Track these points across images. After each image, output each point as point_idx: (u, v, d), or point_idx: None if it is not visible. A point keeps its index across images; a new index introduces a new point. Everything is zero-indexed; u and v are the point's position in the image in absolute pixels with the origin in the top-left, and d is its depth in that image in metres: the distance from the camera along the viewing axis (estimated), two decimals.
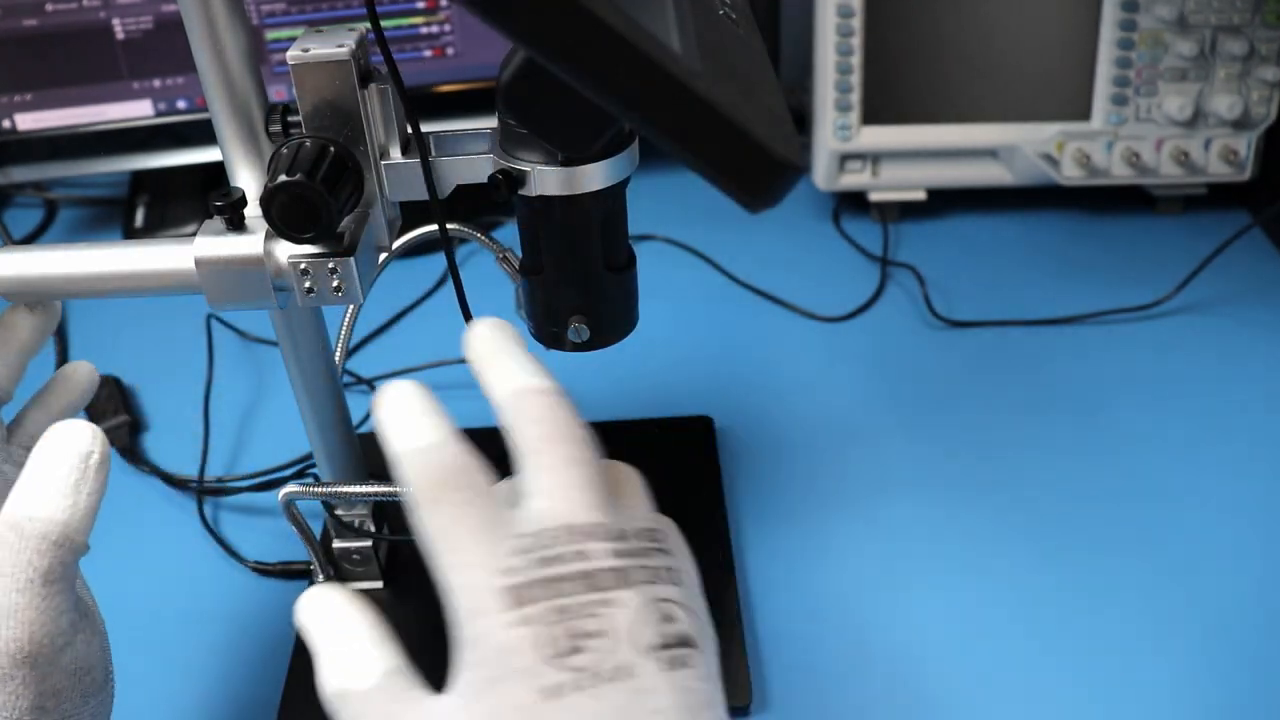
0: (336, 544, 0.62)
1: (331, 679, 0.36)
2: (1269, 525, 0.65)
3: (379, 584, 0.62)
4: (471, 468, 0.38)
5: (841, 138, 0.87)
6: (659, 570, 0.37)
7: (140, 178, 0.96)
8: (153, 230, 0.94)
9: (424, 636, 0.61)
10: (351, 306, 0.62)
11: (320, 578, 0.61)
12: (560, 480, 0.37)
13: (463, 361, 0.85)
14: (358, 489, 0.57)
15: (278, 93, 0.89)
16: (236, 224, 0.47)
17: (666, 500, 0.66)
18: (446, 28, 0.88)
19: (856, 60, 0.85)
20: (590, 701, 0.34)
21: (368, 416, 0.76)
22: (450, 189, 0.49)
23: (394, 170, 0.48)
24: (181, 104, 0.88)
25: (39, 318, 0.50)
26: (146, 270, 0.48)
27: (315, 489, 0.57)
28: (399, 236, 0.53)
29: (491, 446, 0.77)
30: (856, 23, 0.84)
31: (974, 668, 0.58)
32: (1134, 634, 0.59)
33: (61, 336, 0.84)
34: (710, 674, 0.37)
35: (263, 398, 0.78)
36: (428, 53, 0.89)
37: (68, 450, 0.39)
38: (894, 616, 0.61)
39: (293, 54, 0.45)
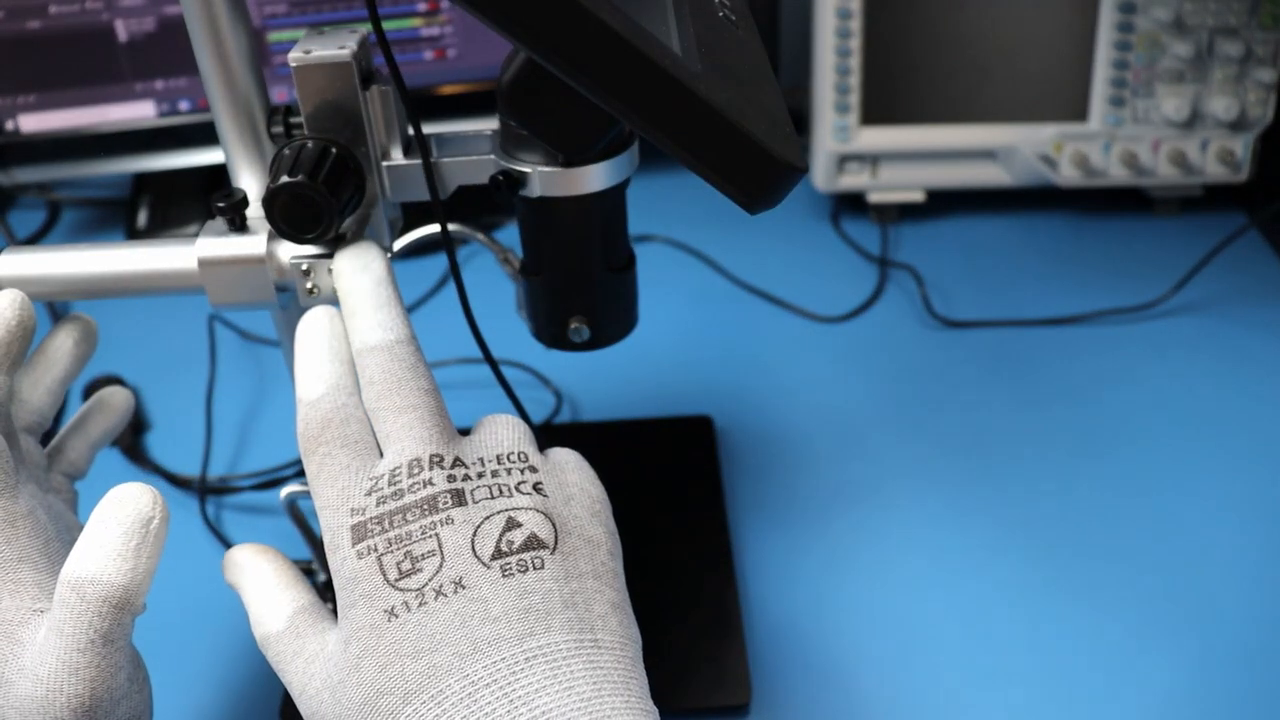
0: None
1: (255, 628, 0.41)
2: (1267, 524, 0.65)
3: None
4: (344, 419, 0.41)
5: (840, 139, 0.87)
6: (507, 485, 0.40)
7: (143, 179, 0.96)
8: (155, 231, 0.94)
9: None
10: None
11: (321, 577, 0.62)
12: (399, 425, 0.41)
13: (464, 361, 0.85)
14: None
15: (280, 94, 0.89)
16: (239, 225, 0.47)
17: (667, 500, 0.67)
18: (448, 30, 0.89)
19: (855, 61, 0.85)
20: (426, 617, 0.36)
21: None
22: (451, 190, 0.49)
23: (395, 171, 0.48)
24: (184, 105, 0.88)
25: (80, 347, 0.51)
26: (149, 270, 0.48)
27: None
28: (400, 237, 0.54)
29: None
30: (855, 24, 0.84)
31: (974, 666, 0.58)
32: (1133, 633, 0.59)
33: None
34: (572, 573, 0.38)
35: (265, 397, 0.79)
36: (429, 54, 0.89)
37: (130, 514, 0.40)
38: (893, 615, 0.61)
39: (294, 55, 0.46)
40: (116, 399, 0.53)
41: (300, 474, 0.71)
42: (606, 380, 0.77)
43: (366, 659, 0.37)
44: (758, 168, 0.37)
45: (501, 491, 0.40)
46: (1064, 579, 0.62)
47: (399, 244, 0.53)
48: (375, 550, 0.38)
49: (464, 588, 0.37)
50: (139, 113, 0.88)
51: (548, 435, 0.72)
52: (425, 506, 0.39)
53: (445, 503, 0.39)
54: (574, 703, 0.35)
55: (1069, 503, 0.67)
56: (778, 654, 0.59)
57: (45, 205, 1.00)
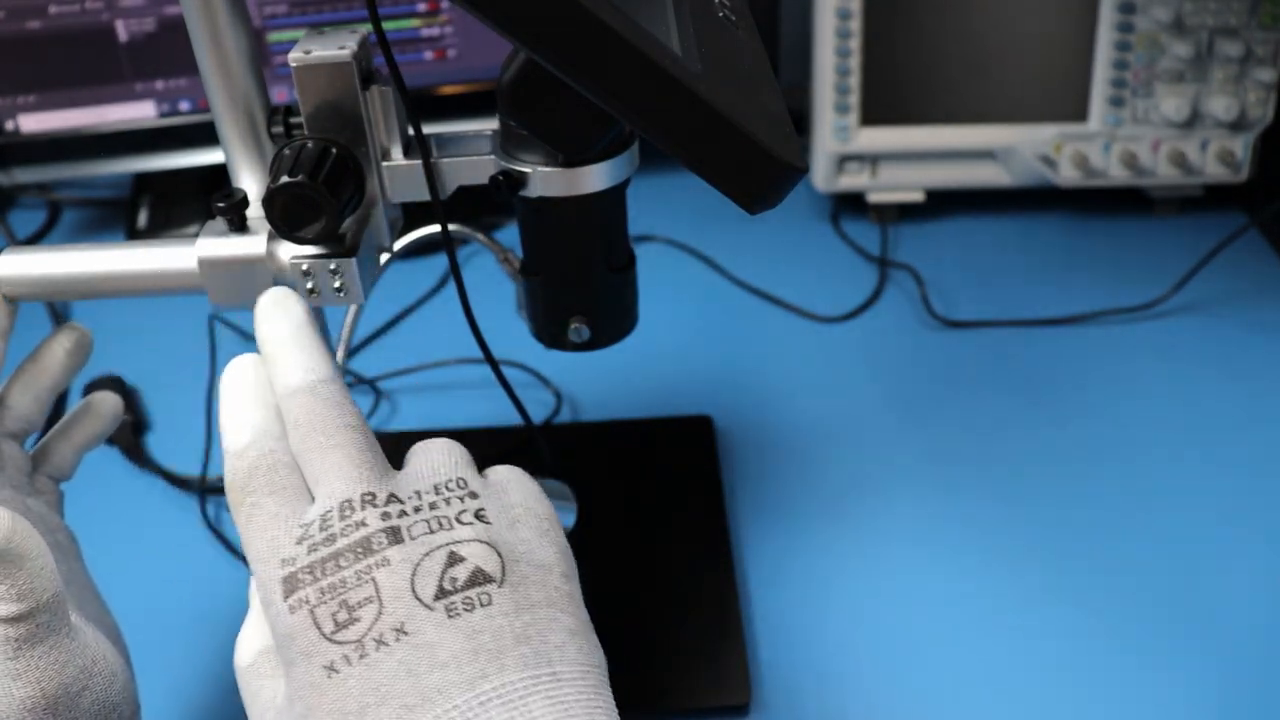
0: None
1: (236, 655, 0.39)
2: (1266, 524, 0.65)
3: None
4: (271, 466, 0.39)
5: (840, 139, 0.87)
6: (447, 517, 0.37)
7: (143, 179, 0.96)
8: (156, 231, 0.94)
9: None
10: (353, 307, 0.62)
11: None
12: (327, 466, 0.38)
13: (464, 361, 0.85)
14: None
15: (280, 94, 0.89)
16: (239, 225, 0.47)
17: (667, 500, 0.67)
18: (448, 30, 0.89)
19: (855, 62, 0.85)
20: (368, 670, 0.34)
21: (369, 416, 0.76)
22: (451, 190, 0.49)
23: (395, 171, 0.48)
24: (184, 105, 0.88)
25: (73, 358, 0.51)
26: (149, 271, 0.48)
27: None
28: (400, 237, 0.54)
29: (491, 446, 0.77)
30: (855, 24, 0.84)
31: (973, 666, 0.58)
32: (1134, 632, 0.59)
33: None
34: (523, 604, 0.36)
35: None
36: (429, 55, 0.89)
37: None
38: (893, 615, 0.61)
39: (294, 56, 0.46)
40: (105, 405, 0.53)
41: None
42: (606, 380, 0.77)
43: (310, 718, 0.35)
44: (758, 168, 0.37)
45: (441, 525, 0.37)
46: (1063, 579, 0.62)
47: (399, 244, 0.53)
48: (308, 602, 0.36)
49: (406, 633, 0.34)
50: (139, 113, 0.88)
51: (548, 435, 0.72)
52: (359, 550, 0.36)
53: (380, 543, 0.36)
54: None
55: (1069, 503, 0.67)
56: (778, 654, 0.59)
57: (45, 205, 1.00)
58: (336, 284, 0.47)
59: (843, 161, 0.89)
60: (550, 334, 0.53)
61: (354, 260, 0.47)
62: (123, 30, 0.85)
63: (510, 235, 0.92)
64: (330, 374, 0.41)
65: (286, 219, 0.44)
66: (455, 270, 0.48)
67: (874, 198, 0.91)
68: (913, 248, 0.89)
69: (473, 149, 0.48)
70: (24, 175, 0.89)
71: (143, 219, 0.95)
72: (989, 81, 0.86)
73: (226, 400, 0.41)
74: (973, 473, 0.69)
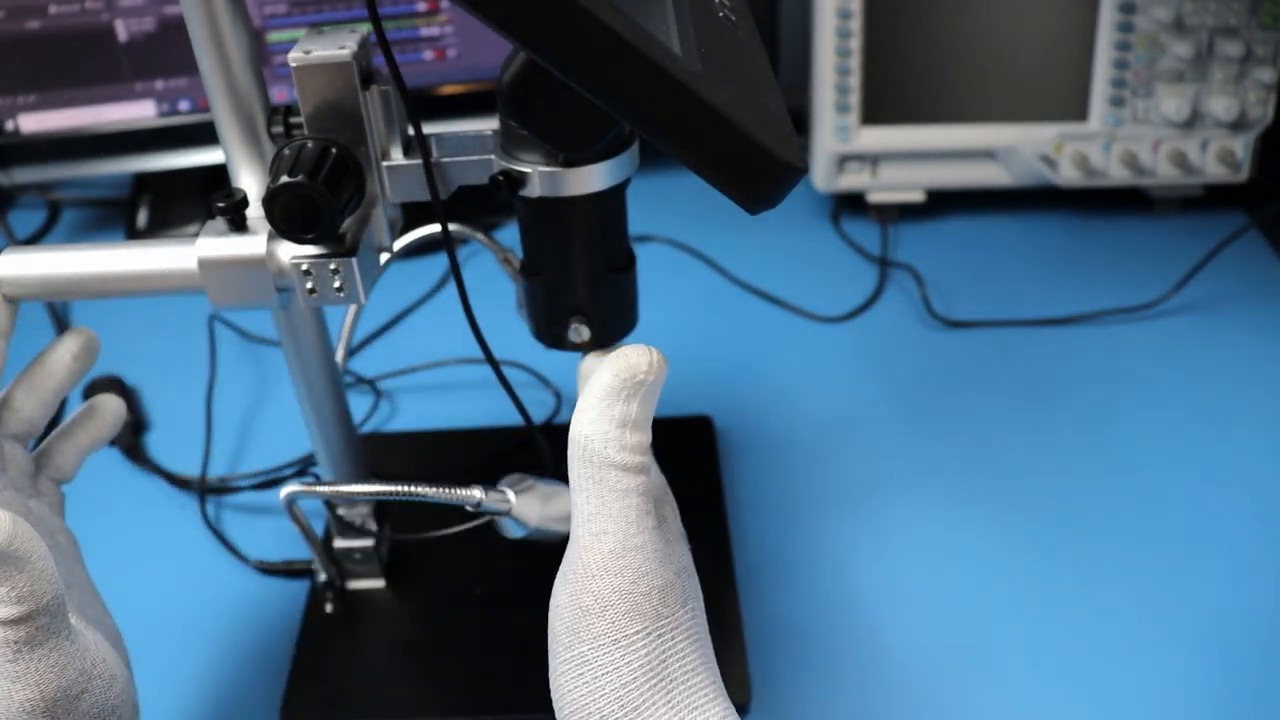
0: (338, 543, 0.62)
1: None
2: (1266, 523, 0.65)
3: (380, 583, 0.63)
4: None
5: (840, 139, 0.87)
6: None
7: (143, 179, 0.96)
8: (155, 231, 0.94)
9: (425, 634, 0.62)
10: (353, 306, 0.62)
11: (322, 576, 0.62)
12: None
13: (464, 361, 0.85)
14: (359, 488, 0.57)
15: (280, 94, 0.89)
16: (239, 225, 0.47)
17: None
18: (448, 30, 0.89)
19: (855, 61, 0.85)
20: None
21: (369, 416, 0.76)
22: (452, 190, 0.49)
23: (395, 171, 0.48)
24: (184, 105, 0.88)
25: (79, 362, 0.51)
26: (149, 271, 0.48)
27: (317, 488, 0.58)
28: (400, 237, 0.54)
29: (491, 446, 0.77)
30: (855, 24, 0.84)
31: (973, 665, 0.58)
32: (1134, 631, 0.59)
33: None
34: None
35: (265, 398, 0.79)
36: (429, 54, 0.89)
37: None
38: (893, 614, 0.61)
39: (294, 55, 0.46)
40: (108, 408, 0.53)
41: (300, 473, 0.71)
42: None
43: None
44: (758, 168, 0.37)
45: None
46: (1064, 578, 0.62)
47: (399, 244, 0.53)
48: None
49: None
50: (139, 113, 0.88)
51: (548, 435, 0.72)
52: None
53: None
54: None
55: (1069, 502, 0.67)
56: (778, 654, 0.59)
57: (45, 205, 1.00)
58: (336, 284, 0.47)
59: (843, 161, 0.89)
60: (550, 334, 0.53)
61: (354, 260, 0.47)
62: (122, 30, 0.85)
63: (510, 235, 0.92)
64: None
65: (286, 219, 0.44)
66: (455, 270, 0.48)
67: (874, 197, 0.91)
68: (913, 248, 0.89)
69: (473, 149, 0.48)
70: (24, 175, 0.90)
71: (143, 219, 0.95)
72: (989, 81, 0.86)
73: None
74: (972, 472, 0.69)
